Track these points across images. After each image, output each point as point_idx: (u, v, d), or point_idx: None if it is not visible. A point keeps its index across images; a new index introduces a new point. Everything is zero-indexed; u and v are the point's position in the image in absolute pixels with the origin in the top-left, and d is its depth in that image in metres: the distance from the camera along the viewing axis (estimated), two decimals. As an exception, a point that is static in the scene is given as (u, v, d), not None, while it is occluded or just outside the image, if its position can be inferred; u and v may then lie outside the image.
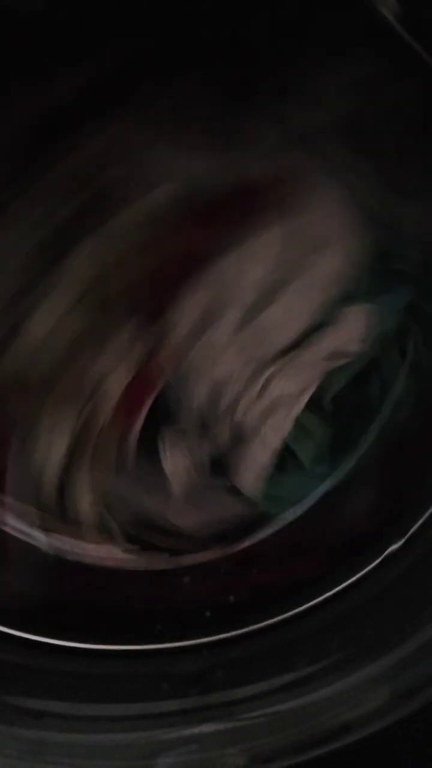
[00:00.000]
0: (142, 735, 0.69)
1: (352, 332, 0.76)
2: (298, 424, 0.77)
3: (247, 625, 0.77)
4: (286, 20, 0.70)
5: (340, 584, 0.78)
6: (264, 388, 0.76)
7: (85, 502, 0.78)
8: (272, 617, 0.77)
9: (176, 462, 0.77)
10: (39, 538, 0.78)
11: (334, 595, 0.77)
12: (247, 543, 0.80)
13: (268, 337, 0.75)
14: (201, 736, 0.68)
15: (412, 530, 0.76)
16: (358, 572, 0.77)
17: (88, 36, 0.70)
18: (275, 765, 0.66)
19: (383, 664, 0.67)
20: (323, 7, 0.70)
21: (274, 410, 0.76)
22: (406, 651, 0.67)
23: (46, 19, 0.70)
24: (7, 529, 0.77)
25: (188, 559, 0.82)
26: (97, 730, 0.69)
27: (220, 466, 0.77)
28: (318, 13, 0.70)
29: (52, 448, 0.76)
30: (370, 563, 0.77)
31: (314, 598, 0.77)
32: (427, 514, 0.79)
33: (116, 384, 0.74)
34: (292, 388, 0.76)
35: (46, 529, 0.80)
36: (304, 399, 0.76)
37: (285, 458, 0.78)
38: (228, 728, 0.68)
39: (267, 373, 0.75)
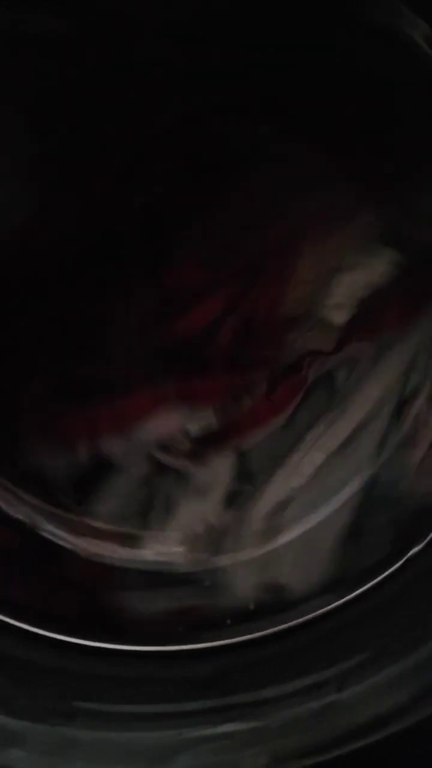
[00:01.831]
0: (165, 734, 0.70)
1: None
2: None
3: (267, 628, 0.78)
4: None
5: (360, 587, 0.78)
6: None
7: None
8: (292, 620, 0.78)
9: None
10: (78, 543, 0.80)
11: (354, 598, 0.77)
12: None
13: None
14: (222, 735, 0.69)
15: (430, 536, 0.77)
16: (379, 575, 0.77)
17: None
18: (297, 765, 0.66)
19: (403, 666, 0.68)
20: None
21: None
22: (426, 653, 0.68)
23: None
24: (45, 534, 0.79)
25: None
26: (123, 728, 0.70)
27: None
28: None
29: None
30: (391, 566, 0.77)
31: (333, 602, 0.77)
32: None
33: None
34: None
35: (83, 535, 0.82)
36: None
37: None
38: (249, 728, 0.69)
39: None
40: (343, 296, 0.79)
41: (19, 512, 0.81)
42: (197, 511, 0.84)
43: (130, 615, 0.88)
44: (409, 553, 0.77)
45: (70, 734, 0.71)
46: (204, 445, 0.84)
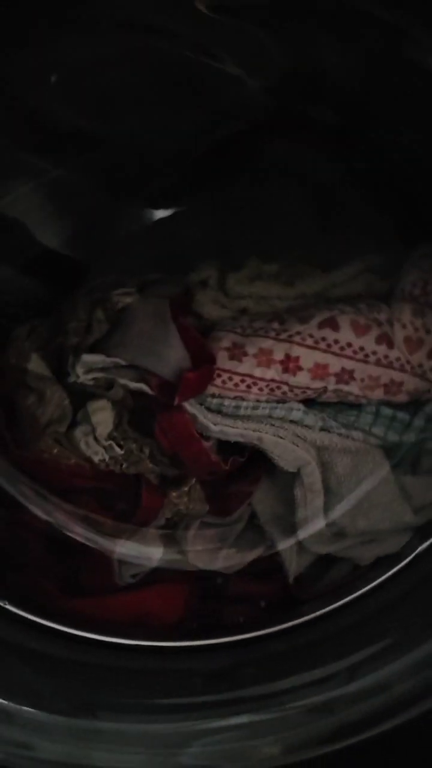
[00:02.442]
0: (180, 725, 0.72)
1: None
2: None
3: (278, 624, 0.80)
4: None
5: (366, 585, 0.81)
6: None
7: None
8: (301, 617, 0.80)
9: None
10: (105, 545, 0.82)
11: (363, 594, 0.80)
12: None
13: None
14: (236, 726, 0.71)
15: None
16: (384, 574, 0.80)
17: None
18: (308, 754, 0.69)
19: (410, 659, 0.70)
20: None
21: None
22: (428, 650, 0.70)
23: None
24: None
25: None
26: (139, 720, 0.73)
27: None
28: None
29: None
30: (398, 563, 0.79)
31: (341, 599, 0.80)
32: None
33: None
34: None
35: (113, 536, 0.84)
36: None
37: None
38: (262, 719, 0.71)
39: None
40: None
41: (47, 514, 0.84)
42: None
43: (149, 611, 0.91)
44: (417, 550, 0.80)
45: (91, 725, 0.74)
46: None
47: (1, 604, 0.84)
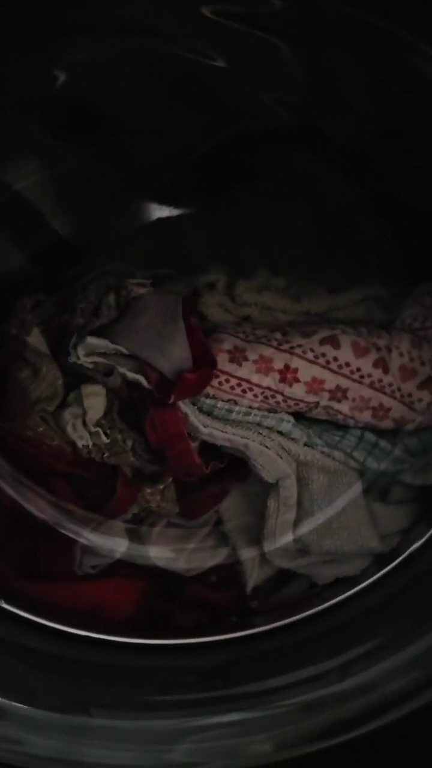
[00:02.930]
0: (173, 722, 0.72)
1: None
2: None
3: (271, 622, 0.81)
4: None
5: (360, 584, 0.82)
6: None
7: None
8: (294, 615, 0.81)
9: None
10: (72, 530, 0.81)
11: (355, 593, 0.81)
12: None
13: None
14: (228, 723, 0.72)
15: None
16: (380, 571, 0.81)
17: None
18: (300, 751, 0.69)
19: (403, 656, 0.72)
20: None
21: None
22: (425, 644, 0.72)
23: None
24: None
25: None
26: (131, 717, 0.73)
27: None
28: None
29: None
30: (392, 562, 0.81)
31: (333, 598, 0.81)
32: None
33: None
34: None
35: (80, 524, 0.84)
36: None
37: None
38: (254, 717, 0.72)
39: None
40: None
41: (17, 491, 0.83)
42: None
43: (101, 603, 0.91)
44: (410, 549, 0.82)
45: (84, 722, 0.73)
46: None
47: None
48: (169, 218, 1.00)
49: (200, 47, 0.84)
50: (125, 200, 0.99)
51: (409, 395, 0.87)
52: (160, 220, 0.99)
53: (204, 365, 0.85)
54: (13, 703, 0.74)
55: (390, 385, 0.87)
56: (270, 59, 0.83)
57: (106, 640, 0.85)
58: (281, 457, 0.89)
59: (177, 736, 0.74)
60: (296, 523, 0.92)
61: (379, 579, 0.85)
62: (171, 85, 0.90)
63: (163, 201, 1.00)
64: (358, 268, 0.94)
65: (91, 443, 0.88)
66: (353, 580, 0.87)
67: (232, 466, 0.95)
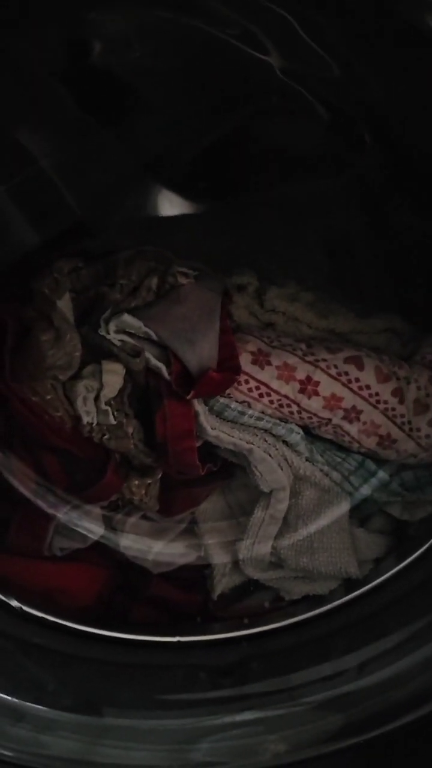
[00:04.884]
0: (186, 722, 0.70)
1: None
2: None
3: (285, 619, 0.80)
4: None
5: (372, 582, 0.81)
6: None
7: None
8: (307, 612, 0.80)
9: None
10: (113, 539, 0.79)
11: (373, 588, 0.80)
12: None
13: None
14: (242, 723, 0.70)
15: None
16: (398, 565, 0.80)
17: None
18: (314, 752, 0.68)
19: (422, 653, 0.71)
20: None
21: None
22: None
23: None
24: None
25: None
26: (145, 716, 0.70)
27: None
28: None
29: None
30: (408, 557, 0.80)
31: (346, 595, 0.80)
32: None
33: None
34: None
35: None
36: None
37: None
38: (268, 716, 0.70)
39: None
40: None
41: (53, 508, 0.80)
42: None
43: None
44: (428, 543, 0.82)
45: (98, 721, 0.70)
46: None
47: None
48: (190, 215, 0.98)
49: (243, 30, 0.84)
50: (144, 186, 0.97)
51: (418, 429, 0.88)
52: (180, 216, 0.98)
53: (228, 369, 0.84)
54: (26, 703, 0.71)
55: (402, 416, 0.88)
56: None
57: (117, 637, 0.82)
58: (282, 468, 0.89)
59: (190, 736, 0.72)
60: (277, 536, 0.92)
61: (397, 573, 0.85)
62: (190, 63, 0.88)
63: (181, 193, 0.99)
64: (375, 299, 0.95)
65: (95, 421, 0.86)
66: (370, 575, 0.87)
67: (220, 470, 0.94)
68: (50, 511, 0.90)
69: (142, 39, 0.86)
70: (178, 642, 0.89)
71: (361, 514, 0.96)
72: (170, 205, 0.99)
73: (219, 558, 0.95)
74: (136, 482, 0.90)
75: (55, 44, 0.85)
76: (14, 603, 0.83)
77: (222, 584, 0.95)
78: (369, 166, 0.94)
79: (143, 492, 0.91)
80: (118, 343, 0.84)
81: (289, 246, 0.98)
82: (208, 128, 0.93)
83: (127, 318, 0.83)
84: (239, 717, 0.75)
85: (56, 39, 0.85)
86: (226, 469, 0.94)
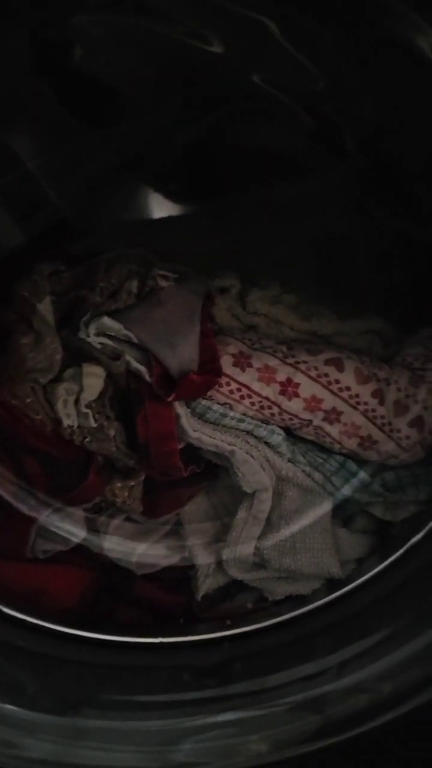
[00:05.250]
0: (170, 722, 0.70)
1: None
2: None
3: (267, 619, 0.80)
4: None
5: (354, 581, 0.82)
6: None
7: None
8: (290, 612, 0.80)
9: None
10: (96, 542, 0.79)
11: (354, 588, 0.80)
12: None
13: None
14: (223, 723, 0.70)
15: (429, 526, 0.82)
16: (378, 565, 0.80)
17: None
18: (296, 752, 0.68)
19: (402, 654, 0.71)
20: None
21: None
22: (424, 642, 0.71)
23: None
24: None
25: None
26: (129, 717, 0.70)
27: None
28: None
29: None
30: (390, 556, 0.81)
31: (329, 595, 0.80)
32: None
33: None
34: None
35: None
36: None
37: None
38: (249, 716, 0.70)
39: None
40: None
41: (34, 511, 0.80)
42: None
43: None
44: (410, 542, 0.82)
45: (78, 723, 0.70)
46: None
47: None
48: (176, 217, 0.98)
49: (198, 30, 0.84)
50: (129, 187, 0.97)
51: (398, 431, 0.89)
52: (166, 218, 0.98)
53: (208, 372, 0.84)
54: (5, 705, 0.70)
55: (382, 417, 0.88)
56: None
57: (101, 639, 0.82)
58: (264, 470, 0.89)
59: (172, 737, 0.72)
60: (260, 537, 0.92)
61: (379, 573, 0.85)
62: (162, 65, 0.88)
63: (166, 195, 0.99)
64: (358, 300, 0.95)
65: (76, 424, 0.86)
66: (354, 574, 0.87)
67: (203, 471, 0.94)
68: (31, 514, 0.89)
69: (118, 44, 0.86)
70: (162, 643, 0.89)
71: (343, 514, 0.96)
72: (156, 207, 0.99)
73: (203, 559, 0.95)
74: (119, 484, 0.90)
75: (34, 45, 0.84)
76: None
77: (206, 585, 0.95)
78: (351, 171, 0.93)
79: (126, 494, 0.90)
80: (98, 346, 0.84)
81: (275, 246, 0.98)
82: (185, 128, 0.92)
83: (106, 321, 0.83)
84: (221, 717, 0.75)
85: (36, 40, 0.84)
86: (210, 471, 0.94)
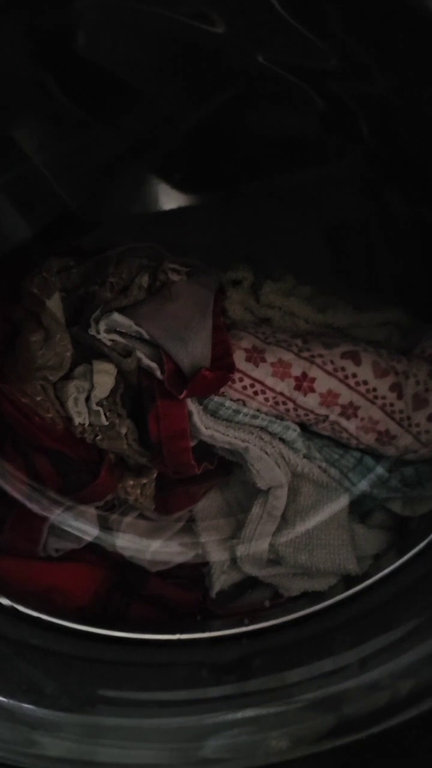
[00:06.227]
0: (189, 719, 0.69)
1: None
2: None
3: (285, 615, 0.78)
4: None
5: (373, 576, 0.80)
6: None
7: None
8: (308, 607, 0.79)
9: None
10: (108, 540, 0.77)
11: (374, 582, 0.79)
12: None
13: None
14: (244, 720, 0.69)
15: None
16: (397, 560, 0.79)
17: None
18: (317, 748, 0.66)
19: (426, 649, 0.69)
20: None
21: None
22: None
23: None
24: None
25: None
26: (147, 715, 0.69)
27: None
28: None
29: None
30: (409, 551, 0.79)
31: (347, 591, 0.79)
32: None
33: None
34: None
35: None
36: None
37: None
38: (270, 713, 0.69)
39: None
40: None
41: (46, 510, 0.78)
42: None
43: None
44: (428, 538, 0.81)
45: (97, 721, 0.69)
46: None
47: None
48: (185, 208, 0.96)
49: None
50: (136, 178, 0.95)
51: (417, 425, 0.86)
52: (176, 210, 0.95)
53: (221, 368, 0.82)
54: (24, 705, 0.69)
55: (401, 411, 0.86)
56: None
57: (116, 636, 0.81)
58: (279, 466, 0.87)
59: (193, 734, 0.71)
60: (275, 533, 0.90)
61: (400, 565, 0.83)
62: (164, 48, 0.85)
63: (175, 186, 0.96)
64: (375, 290, 0.92)
65: (87, 422, 0.84)
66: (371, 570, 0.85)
67: (217, 467, 0.92)
68: (43, 513, 0.88)
69: (118, 28, 0.83)
70: (179, 639, 0.88)
71: (361, 509, 0.94)
72: (164, 198, 0.97)
73: (217, 555, 0.93)
74: (131, 482, 0.88)
75: (32, 33, 0.82)
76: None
77: (221, 582, 0.94)
78: (364, 156, 0.91)
79: (138, 492, 0.89)
80: (109, 343, 0.82)
81: (287, 236, 0.96)
82: (190, 113, 0.90)
83: (117, 317, 0.81)
84: (241, 714, 0.73)
85: (33, 28, 0.82)
86: (224, 467, 0.92)
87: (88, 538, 0.91)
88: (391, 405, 0.87)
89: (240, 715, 0.73)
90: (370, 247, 0.97)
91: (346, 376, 0.85)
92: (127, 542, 0.92)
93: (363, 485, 0.90)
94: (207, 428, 0.85)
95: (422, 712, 0.72)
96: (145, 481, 0.89)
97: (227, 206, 0.97)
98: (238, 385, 0.85)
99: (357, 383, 0.86)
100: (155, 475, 0.89)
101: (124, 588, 0.97)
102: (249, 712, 0.73)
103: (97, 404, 0.83)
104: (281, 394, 0.85)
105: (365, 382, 0.86)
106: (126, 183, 0.96)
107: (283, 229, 0.96)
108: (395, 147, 0.89)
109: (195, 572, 0.97)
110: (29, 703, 0.75)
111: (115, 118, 0.91)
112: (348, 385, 0.85)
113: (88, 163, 0.94)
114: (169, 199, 0.97)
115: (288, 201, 0.96)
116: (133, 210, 0.96)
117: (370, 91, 0.84)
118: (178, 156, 0.94)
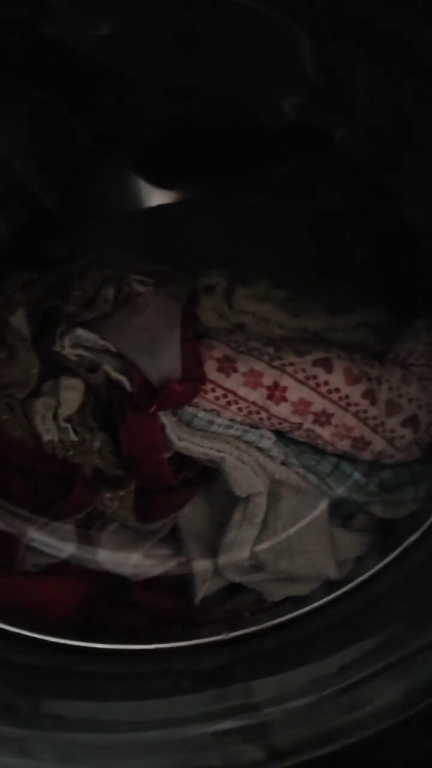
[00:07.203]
0: (165, 732, 0.67)
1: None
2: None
3: (265, 622, 0.77)
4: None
5: (353, 581, 0.79)
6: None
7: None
8: (287, 614, 0.77)
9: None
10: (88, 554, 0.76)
11: (352, 588, 0.78)
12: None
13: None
14: (221, 732, 0.67)
15: (427, 523, 0.80)
16: (375, 566, 0.78)
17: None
18: (295, 759, 0.65)
19: (402, 656, 0.68)
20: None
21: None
22: (423, 643, 0.68)
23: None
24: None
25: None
26: (122, 729, 0.68)
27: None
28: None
29: None
30: (386, 557, 0.78)
31: (325, 597, 0.78)
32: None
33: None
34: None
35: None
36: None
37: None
38: (247, 724, 0.67)
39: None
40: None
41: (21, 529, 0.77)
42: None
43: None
44: (405, 543, 0.79)
45: (69, 737, 0.67)
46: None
47: None
48: (164, 206, 0.94)
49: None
50: (109, 173, 0.93)
51: (392, 431, 0.85)
52: (154, 208, 0.93)
53: (192, 379, 0.80)
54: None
55: (374, 418, 0.84)
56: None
57: (98, 648, 0.79)
58: (256, 474, 0.86)
59: (169, 747, 0.70)
60: (256, 540, 0.89)
61: (378, 571, 0.82)
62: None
63: (155, 183, 0.94)
64: (355, 290, 0.90)
65: (57, 438, 0.82)
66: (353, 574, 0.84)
67: (197, 474, 0.90)
68: (16, 532, 0.87)
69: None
70: (160, 649, 0.87)
71: (341, 513, 0.92)
72: (141, 196, 0.95)
73: (200, 563, 0.92)
74: (109, 495, 0.87)
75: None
76: None
77: (204, 589, 0.93)
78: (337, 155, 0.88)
79: (117, 504, 0.88)
80: (75, 359, 0.80)
81: (268, 231, 0.94)
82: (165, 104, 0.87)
83: (81, 332, 0.79)
84: (218, 726, 0.72)
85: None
86: (206, 475, 0.91)
87: (64, 556, 0.89)
88: (365, 411, 0.85)
89: (218, 726, 0.72)
90: (352, 240, 0.95)
91: (318, 384, 0.84)
92: (108, 556, 0.91)
93: (341, 491, 0.89)
94: (181, 440, 0.84)
95: (404, 718, 0.71)
96: (122, 493, 0.87)
97: (205, 204, 0.95)
98: (210, 396, 0.84)
99: (329, 391, 0.84)
100: (133, 487, 0.88)
101: (107, 598, 0.96)
102: (226, 724, 0.72)
103: (66, 420, 0.82)
104: (254, 403, 0.84)
105: (337, 390, 0.84)
106: (102, 179, 0.94)
107: (264, 224, 0.94)
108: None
109: (178, 580, 0.95)
110: (5, 724, 0.73)
111: (89, 107, 0.89)
112: (320, 393, 0.84)
113: (62, 158, 0.92)
114: (146, 197, 0.95)
115: (266, 196, 0.94)
116: (110, 208, 0.94)
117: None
118: (153, 150, 0.92)
